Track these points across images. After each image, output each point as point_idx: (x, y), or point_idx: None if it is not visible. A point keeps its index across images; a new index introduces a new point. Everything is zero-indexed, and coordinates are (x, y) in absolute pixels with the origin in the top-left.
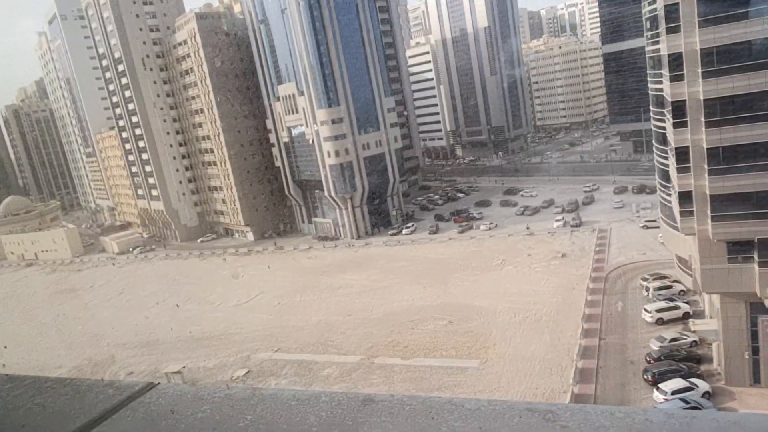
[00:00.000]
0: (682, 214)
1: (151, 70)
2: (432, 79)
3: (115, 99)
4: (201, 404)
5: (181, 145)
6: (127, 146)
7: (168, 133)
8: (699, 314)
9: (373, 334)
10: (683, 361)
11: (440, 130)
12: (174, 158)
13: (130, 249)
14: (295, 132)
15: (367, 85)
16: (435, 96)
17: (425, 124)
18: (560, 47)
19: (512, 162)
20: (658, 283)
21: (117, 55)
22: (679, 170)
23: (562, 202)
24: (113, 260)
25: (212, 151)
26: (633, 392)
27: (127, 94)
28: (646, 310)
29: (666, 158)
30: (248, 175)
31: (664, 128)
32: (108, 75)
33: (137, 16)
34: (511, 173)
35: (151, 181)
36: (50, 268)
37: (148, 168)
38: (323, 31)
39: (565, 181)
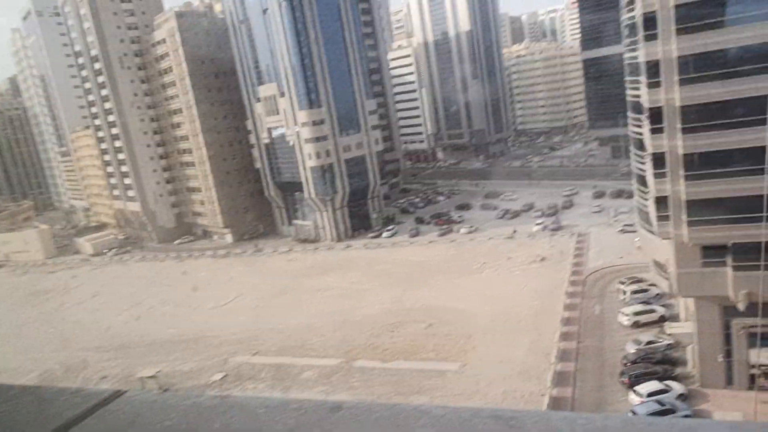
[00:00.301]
0: (658, 218)
1: (129, 68)
2: (414, 82)
3: (91, 97)
4: (168, 412)
5: (159, 145)
6: (104, 145)
7: (146, 133)
8: (674, 317)
9: (352, 337)
10: (659, 363)
11: (421, 133)
12: (151, 158)
13: (105, 250)
14: (275, 133)
15: (349, 86)
16: (417, 99)
17: (407, 126)
18: (541, 52)
19: (493, 165)
20: (634, 287)
21: (94, 52)
22: (656, 175)
23: (542, 205)
24: (88, 262)
25: (191, 152)
26: (610, 395)
27: (104, 92)
28: (623, 313)
29: (643, 163)
30: (228, 176)
31: (641, 134)
32: (84, 73)
33: (115, 13)
34: (491, 176)
35: (127, 181)
36: (22, 270)
37: (124, 168)
38: (305, 31)
39: (545, 185)
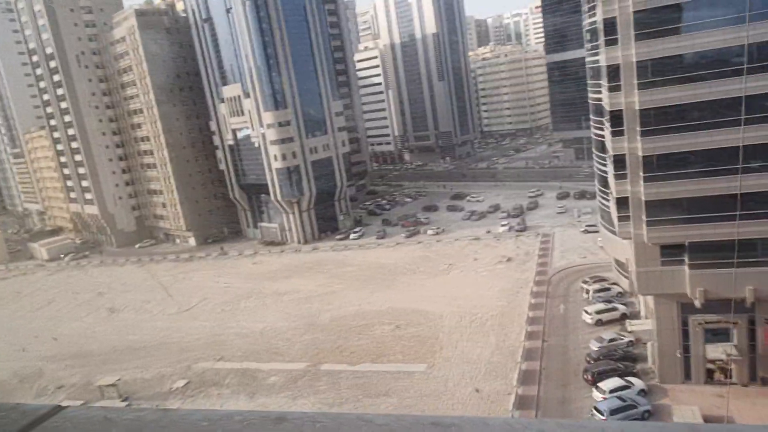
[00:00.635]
0: (619, 219)
1: (87, 67)
2: (380, 84)
3: (46, 97)
4: (109, 427)
5: (118, 146)
6: (59, 147)
7: (104, 134)
8: (635, 315)
9: (319, 340)
10: (621, 360)
11: (388, 135)
12: (110, 160)
13: (62, 255)
14: (240, 134)
15: (316, 88)
16: (383, 100)
17: (373, 128)
18: (506, 55)
19: (459, 167)
20: (597, 286)
21: (49, 50)
22: (617, 177)
23: (507, 207)
24: (43, 267)
25: (152, 153)
26: (574, 392)
27: (60, 92)
28: (586, 311)
29: (605, 165)
30: (191, 178)
31: (603, 136)
32: (39, 71)
33: (72, 10)
34: (458, 178)
35: (84, 183)
36: None
37: (81, 170)
38: (270, 32)
39: (511, 187)
